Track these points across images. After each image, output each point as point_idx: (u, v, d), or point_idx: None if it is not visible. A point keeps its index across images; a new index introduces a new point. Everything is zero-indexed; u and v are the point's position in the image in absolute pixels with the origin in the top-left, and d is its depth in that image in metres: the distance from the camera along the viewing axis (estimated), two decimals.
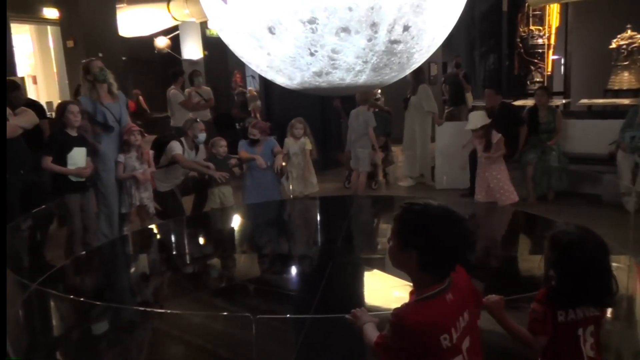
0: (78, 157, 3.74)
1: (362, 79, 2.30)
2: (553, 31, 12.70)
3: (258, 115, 8.27)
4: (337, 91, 2.60)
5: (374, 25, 2.12)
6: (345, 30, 2.11)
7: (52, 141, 3.80)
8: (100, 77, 3.86)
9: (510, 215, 4.77)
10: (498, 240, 4.49)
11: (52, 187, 3.85)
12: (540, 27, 13.06)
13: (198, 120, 4.80)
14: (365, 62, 2.24)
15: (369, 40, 2.16)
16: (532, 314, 1.58)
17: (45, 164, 3.67)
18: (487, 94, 5.85)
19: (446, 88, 8.98)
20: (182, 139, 4.50)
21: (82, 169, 3.77)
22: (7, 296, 2.82)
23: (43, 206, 3.75)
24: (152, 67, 10.86)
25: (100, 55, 4.30)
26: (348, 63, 2.23)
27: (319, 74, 2.26)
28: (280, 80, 2.48)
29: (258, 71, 2.61)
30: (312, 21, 2.10)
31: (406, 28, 2.18)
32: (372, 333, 1.46)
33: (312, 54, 2.19)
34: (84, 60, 3.99)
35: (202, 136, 4.53)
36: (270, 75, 2.50)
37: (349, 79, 2.29)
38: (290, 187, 4.83)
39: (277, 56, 2.30)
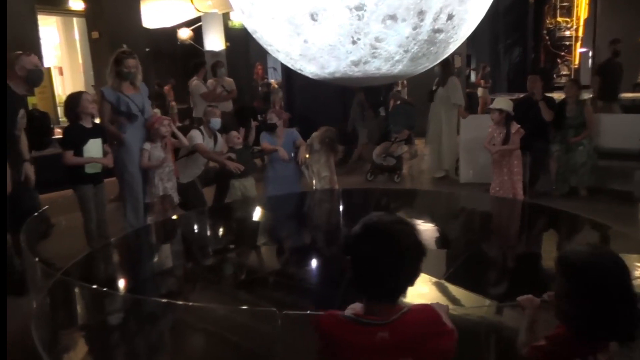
0: (94, 148, 3.72)
1: (398, 68, 2.24)
2: (581, 23, 12.36)
3: (279, 107, 8.26)
4: (368, 81, 2.54)
5: (421, 13, 2.07)
6: (392, 17, 2.06)
7: (68, 135, 3.77)
8: (125, 77, 3.84)
9: (533, 210, 4.66)
10: (521, 237, 4.39)
11: (67, 180, 3.80)
12: (568, 19, 12.72)
13: (215, 105, 4.78)
14: (406, 51, 2.20)
15: (414, 28, 2.12)
16: (536, 350, 1.33)
17: (67, 158, 3.64)
18: (531, 79, 5.68)
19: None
20: (201, 127, 4.49)
21: (104, 159, 3.75)
22: (33, 285, 2.88)
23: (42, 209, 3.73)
24: (174, 59, 10.93)
25: (124, 46, 4.30)
26: (389, 52, 2.19)
27: (356, 63, 2.22)
28: (311, 69, 2.43)
29: (286, 60, 2.55)
30: (359, 8, 2.04)
31: (450, 17, 2.13)
32: None
33: (354, 42, 2.15)
34: (119, 50, 3.92)
35: (216, 122, 4.47)
36: (299, 65, 2.45)
37: (385, 68, 2.24)
38: (313, 181, 4.81)
39: (314, 44, 2.25)
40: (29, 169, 3.72)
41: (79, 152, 3.68)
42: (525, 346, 1.41)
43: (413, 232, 1.22)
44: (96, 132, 3.78)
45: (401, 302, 1.24)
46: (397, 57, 2.20)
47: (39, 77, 3.57)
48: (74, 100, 3.76)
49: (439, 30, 2.15)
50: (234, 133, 4.64)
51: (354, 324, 1.20)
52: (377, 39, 2.13)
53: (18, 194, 3.49)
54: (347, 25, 2.11)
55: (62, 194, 5.15)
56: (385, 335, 1.16)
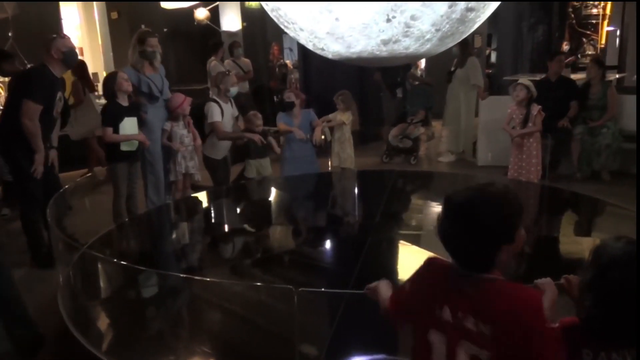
0: (129, 126, 3.81)
1: (425, 48, 2.21)
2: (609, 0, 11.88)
3: (295, 88, 8.23)
4: (390, 61, 2.49)
5: None
6: None
7: (107, 112, 3.87)
8: (149, 56, 3.89)
9: (553, 194, 4.60)
10: (539, 220, 4.34)
11: (105, 157, 3.94)
12: None
13: (230, 72, 4.68)
14: (438, 30, 2.16)
15: (450, 6, 2.08)
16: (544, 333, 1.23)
17: (106, 135, 3.75)
18: (557, 59, 5.59)
19: None
20: (215, 97, 4.44)
21: (141, 136, 3.83)
22: (59, 258, 2.98)
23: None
24: (191, 39, 10.92)
25: (143, 26, 4.33)
26: (421, 31, 2.14)
27: (386, 42, 2.18)
28: (335, 48, 2.39)
29: (307, 40, 2.50)
30: None
31: None
32: (386, 291, 1.47)
33: (388, 20, 2.10)
34: (142, 30, 3.97)
35: (234, 90, 4.52)
36: (322, 44, 2.41)
37: (413, 48, 2.21)
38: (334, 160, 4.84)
39: (346, 21, 2.20)
40: (54, 155, 3.82)
41: (114, 130, 3.77)
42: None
43: (504, 203, 1.17)
44: (132, 110, 3.86)
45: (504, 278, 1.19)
46: (427, 36, 2.17)
47: (74, 58, 3.63)
48: (111, 78, 3.87)
49: (471, 9, 2.11)
50: (254, 114, 4.60)
51: (450, 268, 1.22)
52: (412, 17, 2.09)
53: (44, 175, 3.59)
54: (384, 3, 2.06)
55: (78, 173, 5.28)
56: (467, 287, 1.16)
